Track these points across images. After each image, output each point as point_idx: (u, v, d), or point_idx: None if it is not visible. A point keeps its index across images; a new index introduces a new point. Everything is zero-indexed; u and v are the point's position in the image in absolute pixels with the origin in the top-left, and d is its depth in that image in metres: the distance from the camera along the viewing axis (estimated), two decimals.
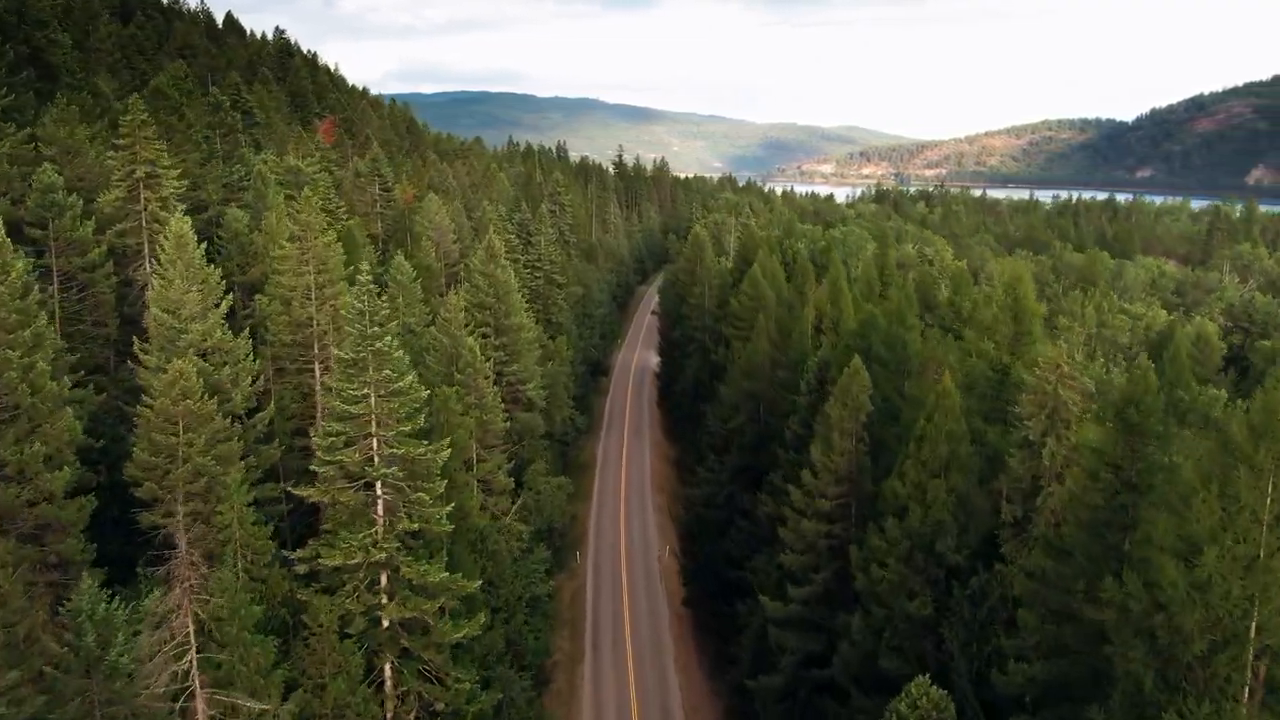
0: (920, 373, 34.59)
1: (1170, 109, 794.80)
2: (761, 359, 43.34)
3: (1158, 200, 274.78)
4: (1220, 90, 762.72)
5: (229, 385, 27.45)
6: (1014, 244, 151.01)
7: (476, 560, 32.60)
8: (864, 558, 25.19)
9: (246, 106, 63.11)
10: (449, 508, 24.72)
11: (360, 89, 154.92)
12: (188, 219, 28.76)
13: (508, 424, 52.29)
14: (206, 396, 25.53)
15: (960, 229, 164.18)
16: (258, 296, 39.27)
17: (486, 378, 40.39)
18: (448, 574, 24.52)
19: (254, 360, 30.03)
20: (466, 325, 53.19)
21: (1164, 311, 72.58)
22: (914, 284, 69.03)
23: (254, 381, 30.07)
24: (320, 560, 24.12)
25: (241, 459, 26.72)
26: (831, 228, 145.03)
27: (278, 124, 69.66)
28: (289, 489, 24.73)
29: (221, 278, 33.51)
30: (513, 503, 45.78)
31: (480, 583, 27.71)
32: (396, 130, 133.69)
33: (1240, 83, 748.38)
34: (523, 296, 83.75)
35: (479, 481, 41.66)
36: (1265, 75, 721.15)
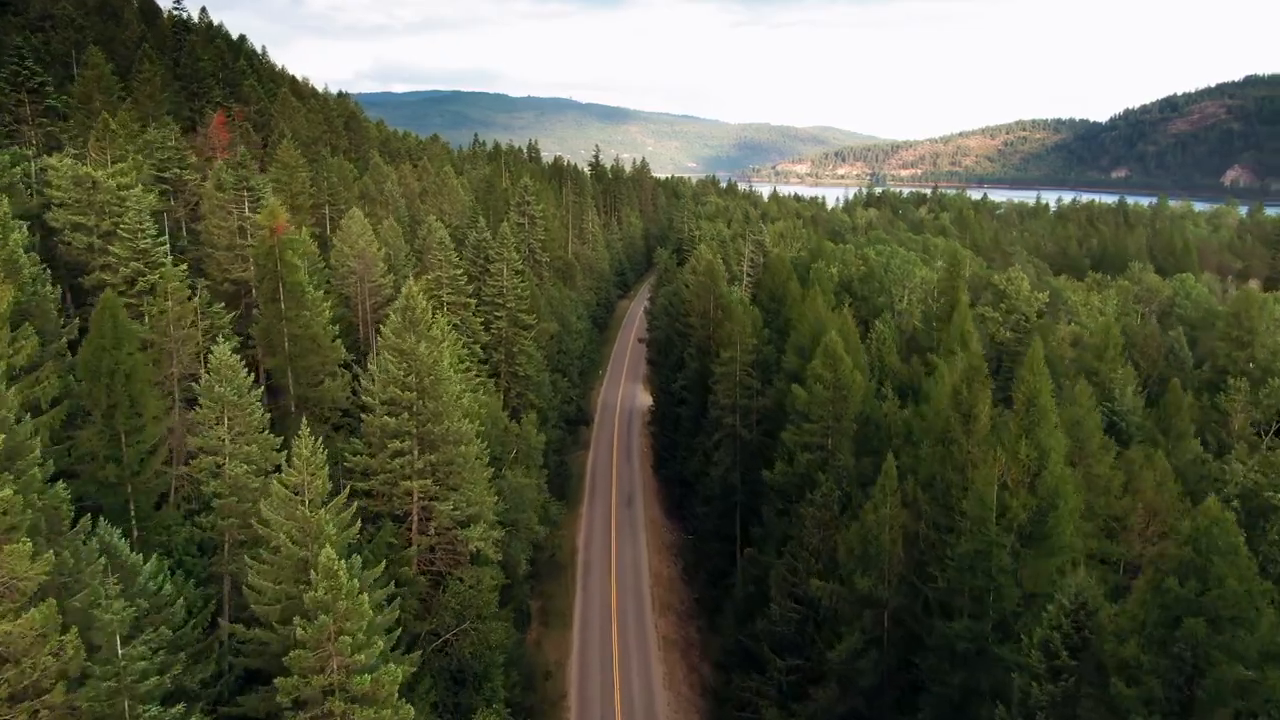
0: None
1: (1144, 109, 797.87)
2: (889, 539, 23.02)
3: (1139, 200, 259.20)
4: (1193, 91, 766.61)
5: None
6: (1050, 258, 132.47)
7: None
8: None
9: (34, 84, 41.20)
10: None
11: (292, 76, 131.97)
12: None
13: (431, 597, 31.52)
14: None
15: (982, 238, 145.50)
16: None
17: (361, 601, 19.37)
18: None
19: None
20: (366, 448, 32.24)
21: None
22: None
23: None
24: None
25: None
26: (842, 240, 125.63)
27: (125, 116, 47.73)
28: None
29: None
30: None
31: None
32: (332, 126, 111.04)
33: (1213, 83, 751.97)
34: (477, 347, 62.52)
35: None
36: (1237, 75, 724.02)
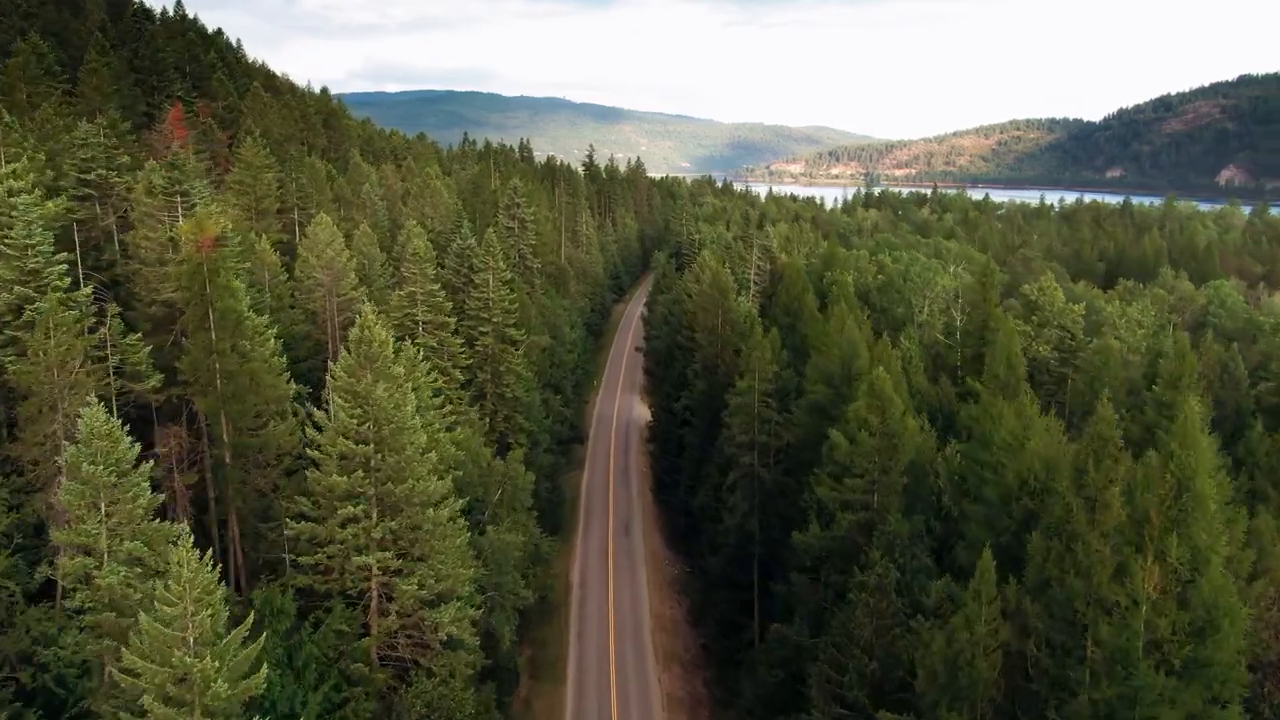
0: None
1: (1138, 109, 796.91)
2: (987, 666, 16.90)
3: (1143, 201, 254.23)
4: (1187, 90, 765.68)
5: None
6: (1064, 261, 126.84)
7: None
8: None
9: None
10: None
11: (268, 70, 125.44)
12: None
13: (393, 694, 25.44)
14: None
15: (992, 240, 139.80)
16: None
17: None
18: None
19: None
20: (314, 509, 26.19)
21: None
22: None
23: None
24: None
25: None
26: (849, 245, 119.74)
27: (49, 109, 41.39)
28: None
29: None
30: None
31: None
32: (309, 124, 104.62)
33: (1207, 83, 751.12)
34: (457, 372, 56.24)
35: None
36: (1231, 75, 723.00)
